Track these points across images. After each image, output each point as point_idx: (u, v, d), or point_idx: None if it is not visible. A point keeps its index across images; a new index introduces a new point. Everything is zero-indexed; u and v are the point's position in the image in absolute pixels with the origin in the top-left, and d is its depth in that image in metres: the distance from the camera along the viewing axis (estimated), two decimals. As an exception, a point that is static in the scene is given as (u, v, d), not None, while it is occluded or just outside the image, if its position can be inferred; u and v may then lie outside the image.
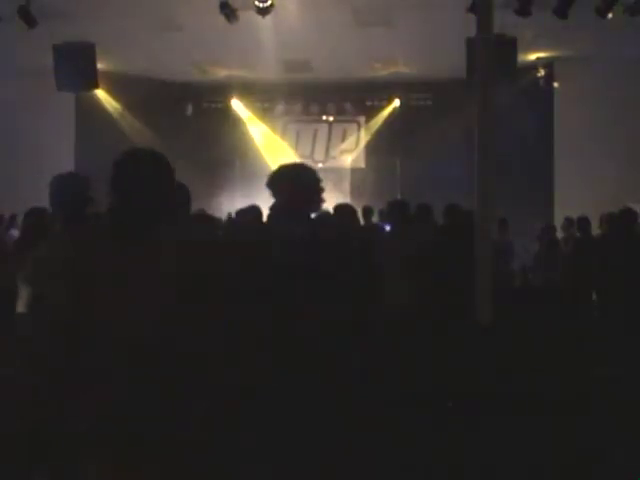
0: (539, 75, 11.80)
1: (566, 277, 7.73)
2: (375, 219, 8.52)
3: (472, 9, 7.50)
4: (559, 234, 8.84)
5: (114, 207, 2.50)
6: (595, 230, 7.86)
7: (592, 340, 6.59)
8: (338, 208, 5.93)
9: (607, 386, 5.61)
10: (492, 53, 6.13)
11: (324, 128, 13.85)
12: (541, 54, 11.40)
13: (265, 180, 3.55)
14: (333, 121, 13.78)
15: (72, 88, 10.06)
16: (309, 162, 13.66)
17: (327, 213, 5.42)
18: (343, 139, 13.80)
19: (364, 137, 13.67)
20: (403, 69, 12.17)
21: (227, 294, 2.79)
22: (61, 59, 9.45)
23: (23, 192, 9.34)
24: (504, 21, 7.80)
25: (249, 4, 8.14)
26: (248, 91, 13.36)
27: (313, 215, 3.70)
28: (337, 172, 13.46)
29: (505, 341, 5.68)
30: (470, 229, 6.13)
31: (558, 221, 9.68)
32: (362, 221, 7.51)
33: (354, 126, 13.76)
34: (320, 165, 13.72)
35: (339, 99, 13.50)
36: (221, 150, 13.13)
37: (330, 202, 6.27)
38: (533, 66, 11.68)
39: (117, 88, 12.27)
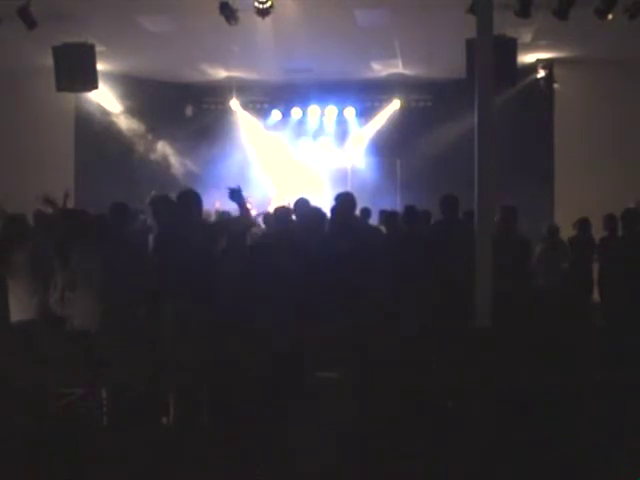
0: (539, 76, 11.79)
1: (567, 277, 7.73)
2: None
3: (472, 10, 7.50)
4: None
5: None
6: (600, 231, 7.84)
7: (593, 341, 6.58)
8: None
9: (607, 387, 5.60)
10: (492, 54, 6.13)
11: (324, 129, 13.85)
12: (541, 55, 11.40)
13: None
14: (333, 122, 13.77)
15: (72, 88, 10.05)
16: (309, 163, 13.69)
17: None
18: (343, 140, 13.79)
19: (364, 138, 13.66)
20: (403, 70, 12.17)
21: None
22: (61, 60, 9.45)
23: (24, 192, 9.33)
24: (504, 22, 7.81)
25: (249, 5, 8.14)
26: (248, 92, 13.35)
27: None
28: (337, 172, 13.46)
29: (505, 341, 5.67)
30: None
31: (559, 221, 9.67)
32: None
33: (354, 127, 13.75)
34: (320, 166, 13.72)
35: (339, 100, 13.49)
36: (220, 151, 13.15)
37: (331, 203, 6.30)
38: (533, 67, 11.68)
39: (117, 89, 12.27)
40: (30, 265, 5.50)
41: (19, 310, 5.47)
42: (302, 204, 6.02)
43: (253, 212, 8.92)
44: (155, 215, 6.23)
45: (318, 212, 6.03)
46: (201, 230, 5.49)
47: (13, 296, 5.47)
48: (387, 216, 7.63)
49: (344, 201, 5.94)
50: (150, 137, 12.81)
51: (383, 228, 7.38)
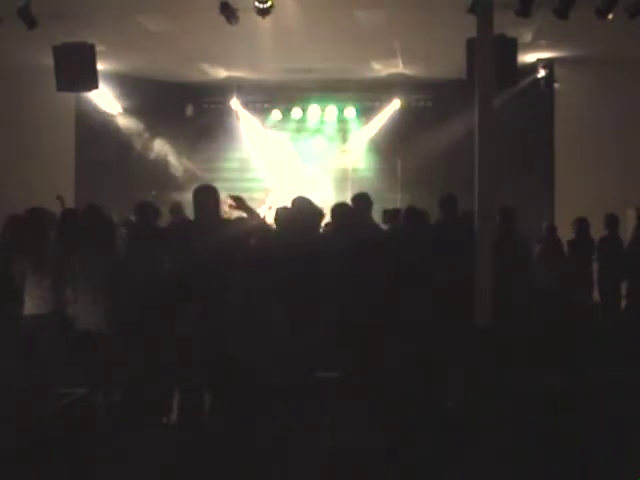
0: (539, 76, 11.78)
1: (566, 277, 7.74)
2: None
3: (472, 10, 7.49)
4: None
5: None
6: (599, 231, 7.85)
7: (593, 340, 6.59)
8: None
9: (608, 386, 5.61)
10: (492, 54, 6.14)
11: (324, 129, 13.85)
12: (541, 55, 11.40)
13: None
14: (333, 122, 13.77)
15: (72, 88, 10.04)
16: (309, 163, 13.69)
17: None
18: (343, 140, 13.79)
19: (364, 138, 13.66)
20: (403, 70, 12.18)
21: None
22: (61, 60, 9.43)
23: (24, 191, 9.35)
24: (504, 21, 7.81)
25: (249, 5, 8.14)
26: (248, 92, 13.35)
27: None
28: (337, 172, 13.46)
29: (505, 341, 5.68)
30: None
31: (559, 221, 9.68)
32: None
33: (354, 127, 13.75)
34: (320, 166, 13.72)
35: (339, 100, 13.49)
36: (220, 150, 13.15)
37: (331, 203, 6.31)
38: (533, 67, 11.67)
39: (117, 88, 12.26)
40: (52, 260, 5.50)
41: (32, 304, 5.45)
42: (298, 202, 5.98)
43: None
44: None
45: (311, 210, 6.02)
46: (218, 228, 5.34)
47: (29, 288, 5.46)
48: (389, 213, 7.66)
49: (354, 201, 6.05)
50: (150, 137, 12.80)
51: (384, 226, 7.39)
